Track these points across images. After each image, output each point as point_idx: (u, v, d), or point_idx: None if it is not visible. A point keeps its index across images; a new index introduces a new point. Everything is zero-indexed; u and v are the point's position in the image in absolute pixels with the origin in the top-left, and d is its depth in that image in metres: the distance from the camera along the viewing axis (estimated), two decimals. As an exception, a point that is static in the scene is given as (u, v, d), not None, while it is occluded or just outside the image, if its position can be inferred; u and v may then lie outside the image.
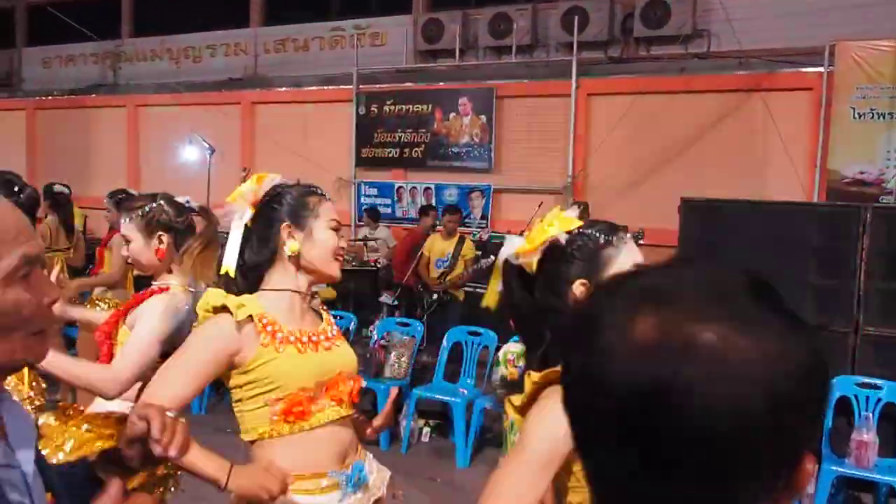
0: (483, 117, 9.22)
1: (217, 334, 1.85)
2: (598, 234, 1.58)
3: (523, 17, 8.93)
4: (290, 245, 1.94)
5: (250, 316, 1.85)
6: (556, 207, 1.77)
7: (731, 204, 5.25)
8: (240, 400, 1.91)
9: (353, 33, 10.11)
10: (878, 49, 7.43)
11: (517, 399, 1.53)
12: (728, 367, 0.60)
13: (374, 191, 9.92)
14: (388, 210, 9.67)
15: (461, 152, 9.40)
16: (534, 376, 1.47)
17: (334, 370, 1.97)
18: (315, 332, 1.98)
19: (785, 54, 7.82)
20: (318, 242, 1.95)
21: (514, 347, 4.25)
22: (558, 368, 1.43)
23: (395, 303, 7.49)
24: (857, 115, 7.49)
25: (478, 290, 7.36)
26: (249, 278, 1.98)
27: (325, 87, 10.26)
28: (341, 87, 10.01)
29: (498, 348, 5.70)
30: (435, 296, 7.00)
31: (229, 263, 1.97)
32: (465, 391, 5.74)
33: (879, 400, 4.59)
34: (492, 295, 1.77)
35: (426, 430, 5.89)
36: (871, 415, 4.51)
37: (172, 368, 1.84)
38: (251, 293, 1.94)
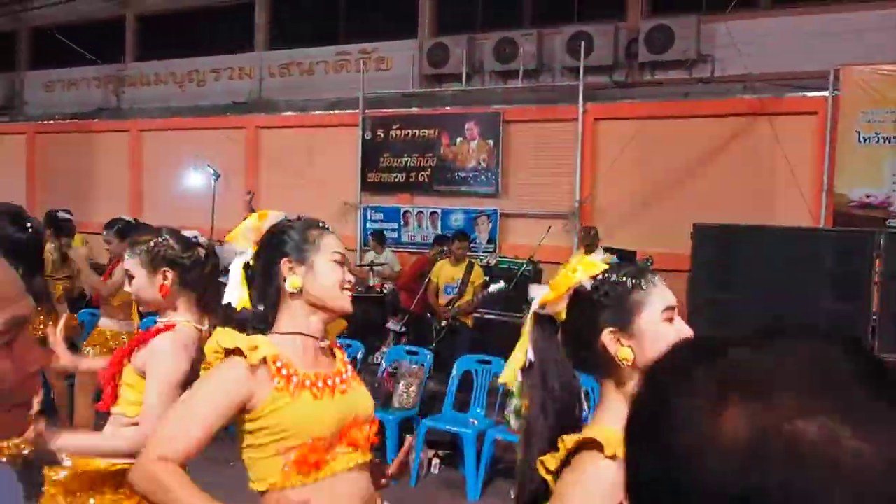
0: (490, 141, 9.22)
1: (230, 379, 1.75)
2: (625, 278, 1.46)
3: (528, 41, 8.96)
4: (291, 281, 1.85)
5: (264, 358, 1.76)
6: (580, 251, 1.71)
7: (744, 229, 5.23)
8: (250, 446, 1.80)
9: (358, 58, 10.13)
10: (883, 73, 7.45)
11: (551, 461, 1.45)
12: (841, 473, 0.50)
13: (379, 215, 9.90)
14: (395, 235, 9.63)
15: (468, 177, 9.39)
16: (567, 441, 1.41)
17: (351, 415, 1.88)
18: (330, 375, 1.89)
19: (789, 79, 7.84)
20: (320, 276, 1.87)
21: (529, 378, 4.21)
22: (593, 433, 1.39)
23: (403, 330, 7.43)
24: (862, 139, 7.50)
25: (485, 316, 7.32)
26: (258, 320, 1.91)
27: (331, 112, 10.28)
28: (347, 111, 10.02)
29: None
30: (444, 323, 6.94)
31: (237, 299, 1.91)
32: (476, 421, 5.66)
33: None
34: (514, 364, 1.60)
35: (435, 461, 5.80)
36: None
37: (182, 416, 1.74)
38: (262, 334, 1.87)
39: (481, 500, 5.31)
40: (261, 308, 1.91)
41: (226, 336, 1.78)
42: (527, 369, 1.58)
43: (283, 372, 1.78)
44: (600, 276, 1.47)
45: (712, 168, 8.11)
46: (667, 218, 7.86)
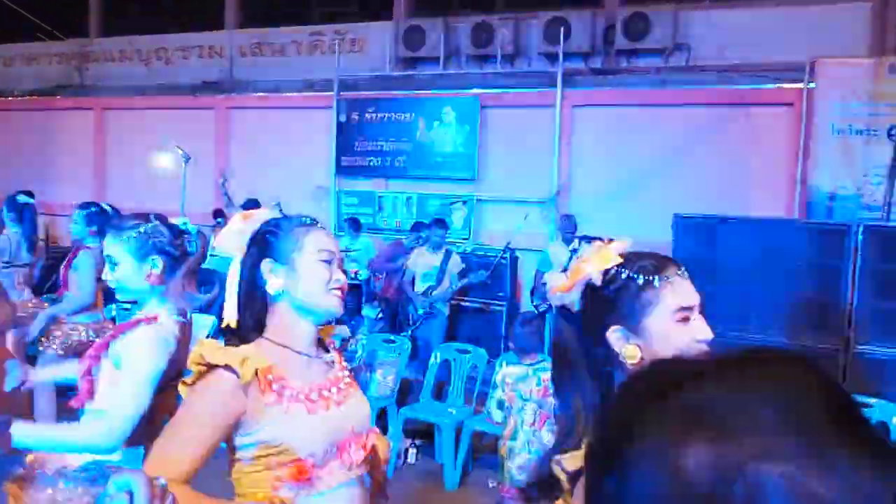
0: (467, 126, 9.14)
1: (221, 398, 1.64)
2: (636, 274, 1.37)
3: (505, 26, 8.87)
4: (273, 283, 1.75)
5: (255, 372, 1.66)
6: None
7: (725, 220, 5.24)
8: (239, 461, 1.71)
9: (332, 39, 9.94)
10: (856, 66, 7.53)
11: (570, 462, 1.36)
12: None
13: (354, 200, 9.76)
14: (370, 220, 9.52)
15: (445, 162, 9.30)
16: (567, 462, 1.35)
17: (347, 428, 1.79)
18: (326, 385, 1.79)
19: (765, 70, 7.88)
20: (304, 277, 1.76)
21: (513, 370, 4.18)
22: None
23: (379, 316, 7.36)
24: (836, 131, 7.58)
25: (461, 303, 7.28)
26: (247, 327, 1.79)
27: (305, 93, 10.08)
28: (321, 93, 9.84)
29: (491, 365, 5.66)
30: (420, 311, 6.88)
31: (230, 315, 1.79)
32: (454, 411, 5.64)
33: (870, 419, 4.60)
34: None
35: (413, 451, 5.76)
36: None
37: (174, 440, 1.63)
38: (249, 342, 1.75)
39: (459, 489, 5.29)
40: (246, 317, 1.79)
41: (212, 350, 1.67)
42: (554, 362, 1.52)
43: (275, 386, 1.68)
44: (613, 270, 1.39)
45: (689, 157, 8.14)
46: (644, 206, 7.88)
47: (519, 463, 3.89)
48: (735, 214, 6.22)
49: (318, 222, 1.86)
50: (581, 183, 8.67)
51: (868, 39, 7.65)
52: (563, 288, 1.44)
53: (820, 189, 7.65)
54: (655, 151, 8.28)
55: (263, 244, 1.79)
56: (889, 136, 7.23)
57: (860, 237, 4.87)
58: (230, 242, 1.81)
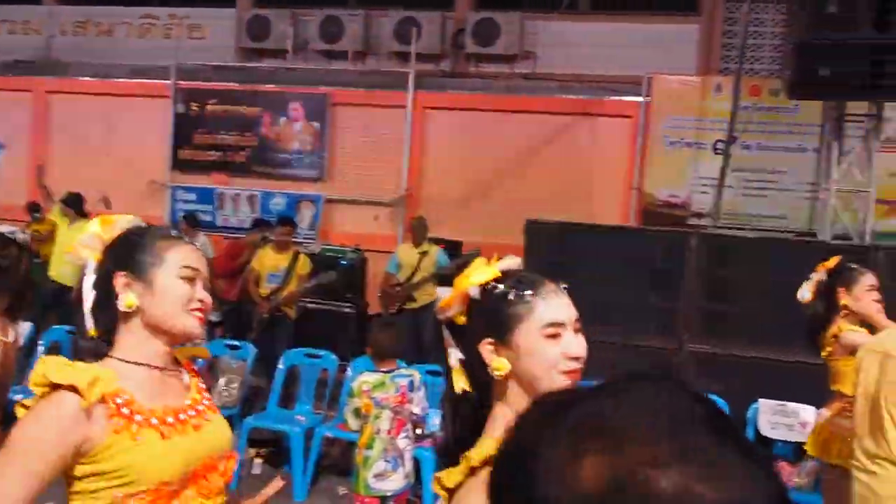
0: (315, 124, 8.87)
1: (60, 423, 1.45)
2: (509, 290, 1.42)
3: (355, 21, 8.71)
4: (125, 299, 1.58)
5: (102, 396, 1.48)
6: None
7: (575, 226, 5.41)
8: (79, 493, 1.51)
9: (167, 23, 9.29)
10: (686, 84, 8.10)
11: (448, 478, 1.35)
12: None
13: (192, 196, 9.17)
14: (209, 217, 8.97)
15: (291, 159, 8.97)
16: (472, 458, 1.31)
17: (204, 454, 1.63)
18: (182, 408, 1.62)
19: (607, 82, 8.26)
20: (161, 294, 1.60)
21: (369, 378, 4.04)
22: (489, 450, 1.29)
23: (220, 320, 6.94)
24: (669, 143, 8.10)
25: (308, 306, 7.01)
26: (98, 341, 1.61)
27: (137, 80, 9.34)
28: (156, 80, 9.16)
29: (342, 369, 5.49)
30: (265, 314, 6.55)
31: (88, 327, 1.62)
32: (303, 418, 5.42)
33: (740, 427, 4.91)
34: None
35: (258, 461, 5.47)
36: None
37: (4, 473, 1.42)
38: (102, 358, 1.58)
39: (308, 499, 5.10)
40: (98, 330, 1.61)
41: (56, 368, 1.47)
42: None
43: (125, 410, 1.51)
44: (489, 285, 1.44)
45: (537, 163, 8.37)
46: (494, 209, 8.01)
47: (375, 472, 3.80)
48: (579, 219, 6.47)
49: (182, 236, 1.74)
50: (432, 185, 8.67)
51: (697, 59, 8.23)
52: (448, 303, 1.48)
53: (653, 197, 8.13)
54: (505, 156, 8.44)
55: (121, 254, 1.63)
56: (715, 149, 7.83)
57: (694, 244, 5.18)
58: (85, 247, 1.65)
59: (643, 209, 8.13)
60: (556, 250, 5.31)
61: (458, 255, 7.24)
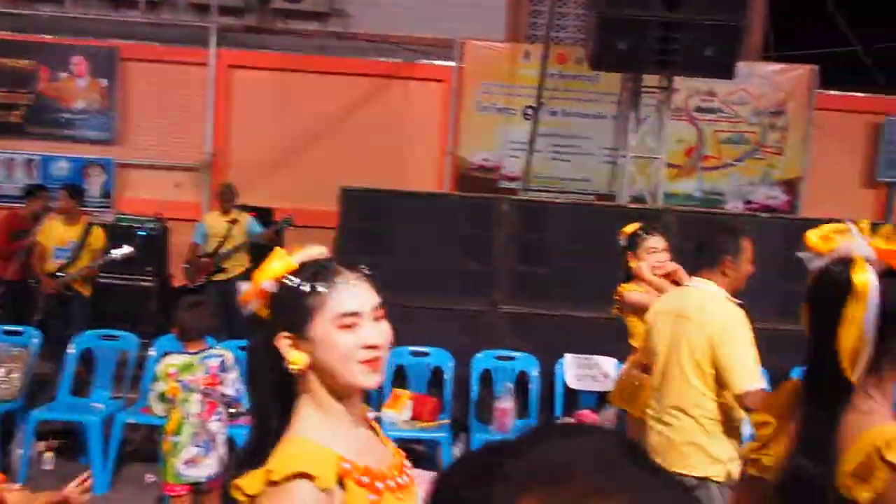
0: (103, 81, 8.02)
1: None
2: (303, 282, 1.41)
3: (147, -32, 7.95)
4: None
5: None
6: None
7: (389, 193, 5.34)
8: None
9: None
10: (496, 49, 8.24)
11: (249, 486, 1.32)
12: None
13: (-46, 161, 8.03)
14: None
15: (75, 120, 8.07)
16: (275, 472, 1.29)
17: None
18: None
19: (420, 45, 8.20)
20: None
21: (176, 360, 3.76)
22: (299, 458, 1.29)
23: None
24: (481, 109, 8.24)
25: (104, 281, 6.40)
26: None
27: None
28: None
29: (144, 348, 5.06)
30: (52, 293, 5.89)
31: None
32: (101, 405, 4.97)
33: (514, 370, 5.10)
34: None
35: (48, 455, 4.96)
36: (510, 384, 5.00)
37: None
38: None
39: (113, 490, 4.71)
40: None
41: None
42: None
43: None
44: (285, 278, 1.42)
45: (351, 126, 8.16)
46: (307, 175, 7.74)
47: (185, 458, 3.59)
48: (394, 184, 6.41)
49: None
50: (240, 149, 8.19)
51: (507, 26, 8.38)
52: (246, 297, 1.47)
53: (466, 161, 8.26)
54: (318, 119, 8.14)
55: None
56: (524, 115, 8.07)
57: (505, 209, 5.30)
58: None
59: (458, 174, 8.23)
60: (370, 217, 5.22)
61: (270, 223, 6.95)
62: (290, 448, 1.35)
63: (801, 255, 1.46)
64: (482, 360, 5.14)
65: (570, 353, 5.14)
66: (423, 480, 4.25)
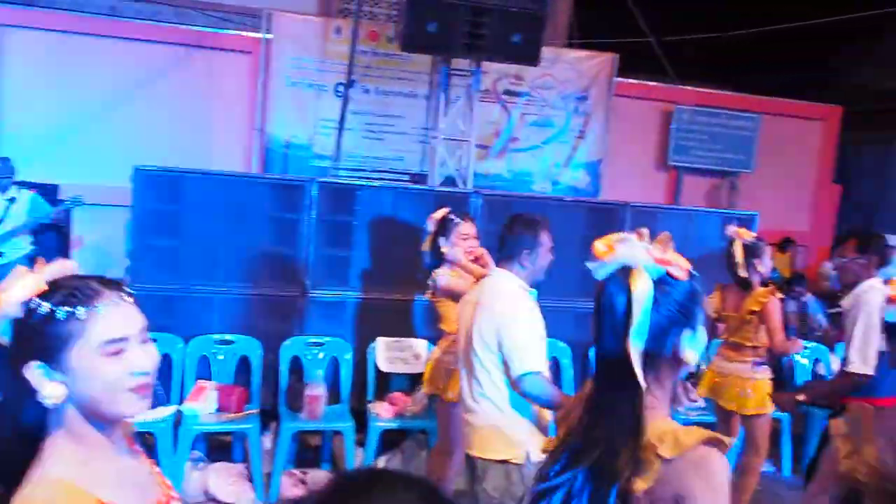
0: None
1: None
2: (56, 307, 1.23)
3: None
4: None
5: None
6: (19, 271, 1.29)
7: (188, 174, 4.99)
8: None
9: None
10: (308, 22, 7.97)
11: None
12: None
13: None
14: None
15: None
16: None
17: None
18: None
19: (224, 12, 7.75)
20: None
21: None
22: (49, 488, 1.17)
23: None
24: (291, 84, 7.95)
25: None
26: None
27: None
28: None
29: None
30: None
31: None
32: None
33: (324, 356, 5.02)
34: None
35: None
36: (320, 371, 4.92)
37: None
38: None
39: None
40: None
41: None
42: None
43: None
44: (33, 302, 1.23)
45: (148, 98, 7.54)
46: (98, 148, 7.08)
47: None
48: (196, 161, 6.06)
49: None
50: (16, 119, 7.30)
51: (319, -1, 8.13)
52: None
53: (276, 138, 7.96)
54: (109, 88, 7.45)
55: None
56: (336, 92, 7.88)
57: (314, 192, 5.16)
58: None
59: (266, 151, 7.91)
60: (166, 199, 4.86)
61: (56, 201, 6.34)
62: (42, 492, 1.19)
63: (588, 265, 1.49)
64: (291, 346, 5.01)
65: (382, 336, 5.12)
66: (228, 473, 4.03)
